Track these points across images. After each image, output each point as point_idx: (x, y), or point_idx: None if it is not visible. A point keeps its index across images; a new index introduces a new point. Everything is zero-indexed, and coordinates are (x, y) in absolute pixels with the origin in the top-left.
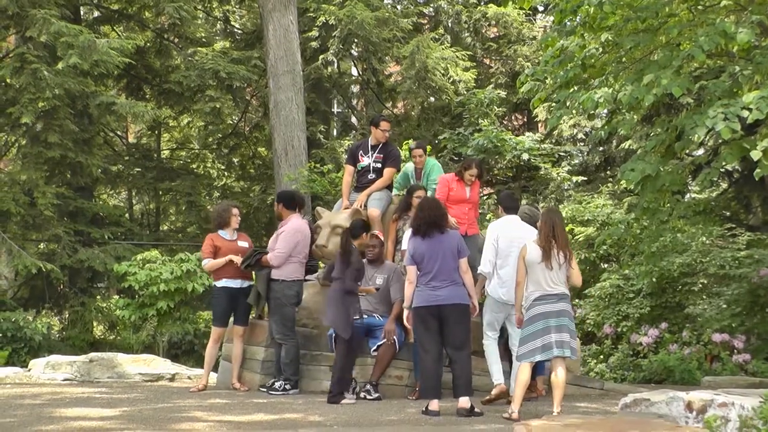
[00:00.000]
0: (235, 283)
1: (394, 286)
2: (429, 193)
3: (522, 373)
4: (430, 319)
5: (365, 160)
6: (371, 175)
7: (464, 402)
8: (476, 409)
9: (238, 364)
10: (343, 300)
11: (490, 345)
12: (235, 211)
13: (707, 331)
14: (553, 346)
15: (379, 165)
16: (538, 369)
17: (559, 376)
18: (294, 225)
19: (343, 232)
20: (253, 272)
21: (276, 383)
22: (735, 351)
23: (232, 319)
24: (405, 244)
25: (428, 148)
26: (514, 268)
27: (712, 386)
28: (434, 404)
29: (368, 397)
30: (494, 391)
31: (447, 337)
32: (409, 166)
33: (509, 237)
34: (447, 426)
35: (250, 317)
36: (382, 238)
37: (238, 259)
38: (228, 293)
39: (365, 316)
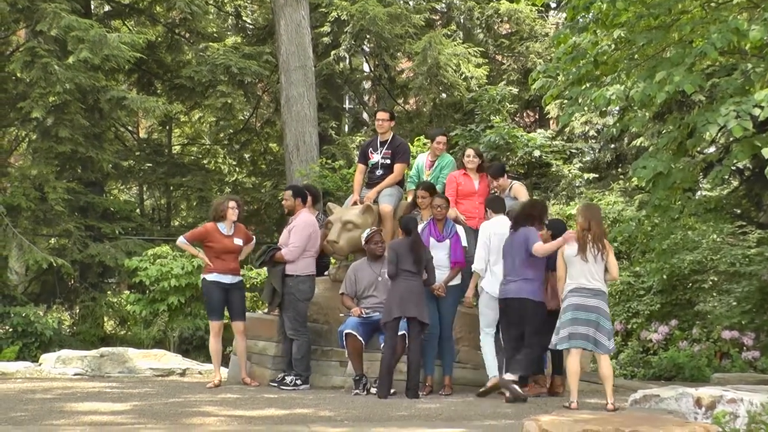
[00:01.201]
0: (226, 279)
1: None
2: (438, 187)
3: (570, 364)
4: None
5: (375, 157)
6: (380, 172)
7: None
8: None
9: (243, 360)
10: (422, 293)
11: (488, 340)
12: (231, 204)
13: (717, 329)
14: (578, 338)
15: (388, 161)
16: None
17: (604, 369)
18: (304, 219)
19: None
20: (265, 269)
21: (287, 378)
22: (744, 348)
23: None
24: None
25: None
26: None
27: (722, 383)
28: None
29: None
30: (489, 384)
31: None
32: (419, 159)
33: (501, 234)
34: (458, 420)
35: (261, 312)
36: (384, 234)
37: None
38: (219, 287)
39: (376, 313)
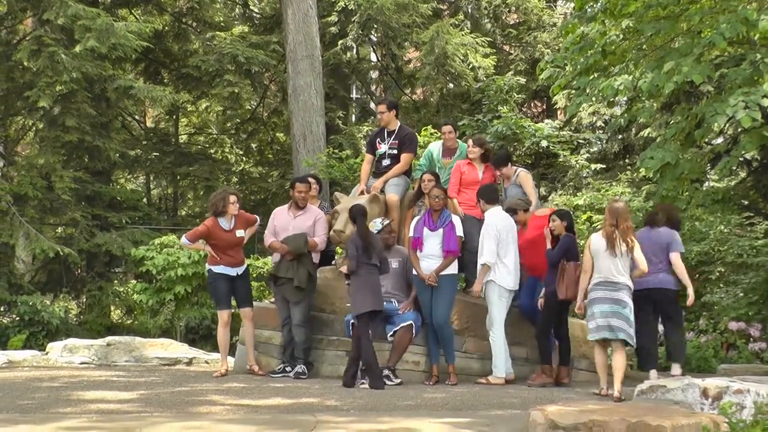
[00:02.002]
0: (232, 271)
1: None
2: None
3: (597, 355)
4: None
5: (382, 147)
6: (387, 161)
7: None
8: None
9: (251, 347)
10: (375, 282)
11: (500, 335)
12: (232, 198)
13: (724, 320)
14: (605, 330)
15: (395, 151)
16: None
17: (617, 360)
18: (320, 211)
19: (358, 221)
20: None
21: (298, 367)
22: (751, 339)
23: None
24: (411, 231)
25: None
26: (516, 254)
27: (728, 374)
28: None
29: (388, 382)
30: (500, 381)
31: None
32: (432, 147)
33: (504, 226)
34: (464, 410)
35: (268, 302)
36: (393, 224)
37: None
38: (225, 278)
39: (384, 302)
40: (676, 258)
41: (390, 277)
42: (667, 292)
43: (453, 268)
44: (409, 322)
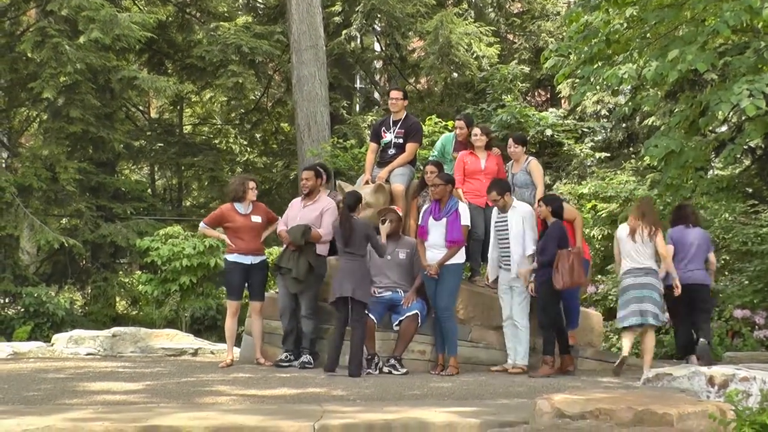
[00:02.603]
0: (246, 259)
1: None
2: None
3: (624, 340)
4: None
5: (387, 136)
6: (392, 151)
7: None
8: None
9: (259, 339)
10: (362, 272)
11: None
12: (251, 184)
13: (729, 308)
14: (637, 315)
15: (400, 140)
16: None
17: (646, 342)
18: (331, 201)
19: (340, 209)
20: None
21: (303, 357)
22: (756, 327)
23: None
24: (420, 220)
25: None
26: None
27: (734, 362)
28: None
29: (394, 372)
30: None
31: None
32: (445, 138)
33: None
34: (470, 399)
35: (273, 292)
36: (400, 213)
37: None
38: (240, 267)
39: (388, 292)
40: (713, 257)
41: (396, 268)
42: (707, 288)
43: (458, 258)
44: (414, 312)
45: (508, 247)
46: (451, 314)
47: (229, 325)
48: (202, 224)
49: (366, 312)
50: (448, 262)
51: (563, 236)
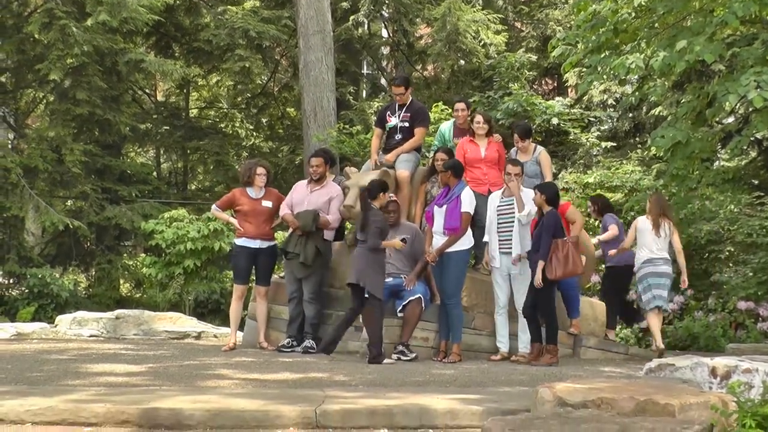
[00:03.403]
0: (254, 243)
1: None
2: None
3: (651, 320)
4: None
5: (393, 120)
6: (398, 136)
7: None
8: None
9: (263, 324)
10: (369, 259)
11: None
12: (259, 170)
13: (733, 299)
14: (653, 300)
15: (406, 124)
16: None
17: (652, 321)
18: (338, 188)
19: (360, 193)
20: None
21: (306, 342)
22: (760, 319)
23: (253, 277)
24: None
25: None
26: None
27: (737, 353)
28: None
29: (403, 357)
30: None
31: None
32: (444, 126)
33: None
34: (472, 386)
35: (277, 277)
36: (399, 201)
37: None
38: (247, 251)
39: (391, 278)
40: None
41: (397, 254)
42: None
43: (462, 244)
44: (417, 296)
45: (511, 231)
46: (457, 301)
47: (234, 308)
48: (214, 207)
49: (380, 300)
50: (451, 249)
51: (557, 226)
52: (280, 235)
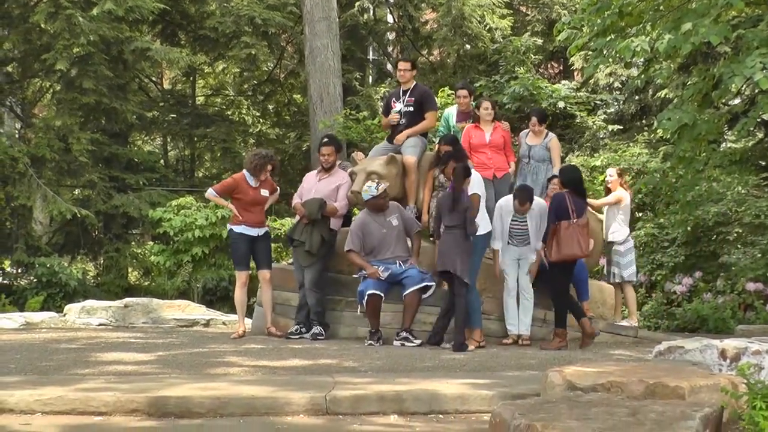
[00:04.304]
0: (253, 231)
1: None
2: None
3: (631, 293)
4: None
5: (397, 106)
6: (403, 121)
7: None
8: None
9: (270, 309)
10: (462, 246)
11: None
12: (269, 167)
13: (741, 280)
14: (634, 274)
15: (410, 108)
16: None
17: (632, 295)
18: (346, 175)
19: (455, 175)
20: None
21: (314, 328)
22: None
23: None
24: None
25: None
26: None
27: (746, 335)
28: None
29: (408, 344)
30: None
31: None
32: (447, 111)
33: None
34: (482, 371)
35: (285, 263)
36: (407, 186)
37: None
38: (245, 238)
39: (393, 265)
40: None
41: (392, 239)
42: None
43: (480, 228)
44: (422, 285)
45: (522, 235)
46: (472, 285)
47: (239, 295)
48: (210, 191)
49: (465, 283)
50: None
51: (561, 207)
52: (287, 222)
